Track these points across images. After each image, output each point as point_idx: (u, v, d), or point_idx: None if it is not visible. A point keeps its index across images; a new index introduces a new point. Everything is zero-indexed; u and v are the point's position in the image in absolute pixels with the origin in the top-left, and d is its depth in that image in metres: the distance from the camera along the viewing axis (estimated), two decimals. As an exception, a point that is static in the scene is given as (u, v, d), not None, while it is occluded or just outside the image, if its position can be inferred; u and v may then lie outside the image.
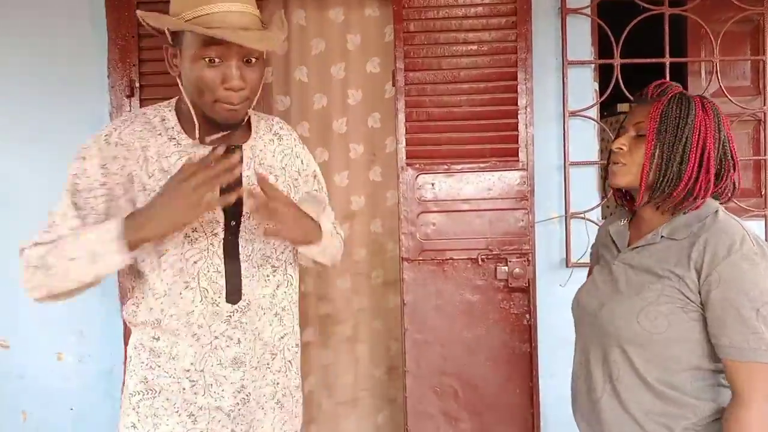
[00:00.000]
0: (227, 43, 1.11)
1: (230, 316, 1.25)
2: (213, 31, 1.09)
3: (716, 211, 1.17)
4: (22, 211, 2.20)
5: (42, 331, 2.41)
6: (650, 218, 1.25)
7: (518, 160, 2.25)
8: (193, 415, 1.25)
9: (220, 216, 1.24)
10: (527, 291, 2.26)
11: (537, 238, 2.29)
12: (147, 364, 1.26)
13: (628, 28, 2.34)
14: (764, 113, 2.52)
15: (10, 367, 2.42)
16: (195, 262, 1.22)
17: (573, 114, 2.38)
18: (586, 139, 2.42)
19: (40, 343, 2.41)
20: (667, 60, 2.38)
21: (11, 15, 2.35)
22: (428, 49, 2.24)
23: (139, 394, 1.26)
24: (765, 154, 2.52)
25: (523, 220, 2.25)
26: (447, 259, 2.27)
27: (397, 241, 2.31)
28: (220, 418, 1.26)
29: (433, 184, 2.26)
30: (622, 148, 1.21)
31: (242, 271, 1.25)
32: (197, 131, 1.23)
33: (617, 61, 2.37)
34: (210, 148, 1.24)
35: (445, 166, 2.26)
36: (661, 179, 1.17)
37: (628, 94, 2.34)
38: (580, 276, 2.32)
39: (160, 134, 1.24)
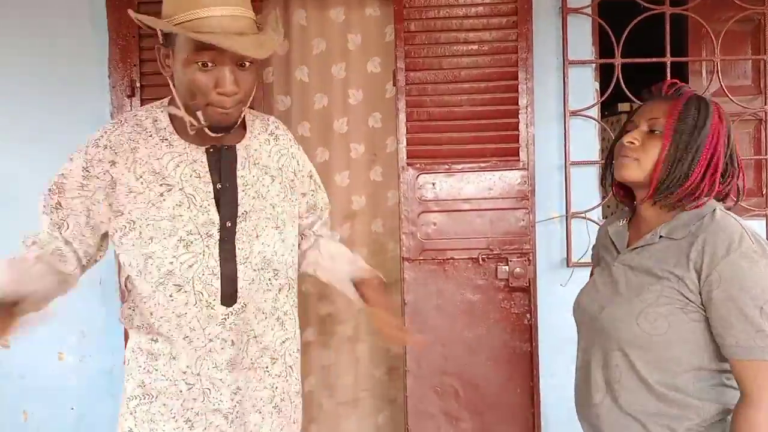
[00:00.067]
0: (220, 48, 1.09)
1: (225, 318, 1.23)
2: (206, 36, 1.07)
3: (714, 210, 1.17)
4: (22, 211, 2.18)
5: (43, 331, 2.39)
6: (649, 218, 1.25)
7: (519, 160, 2.24)
8: (189, 420, 1.25)
9: (215, 217, 1.22)
10: (528, 291, 2.25)
11: (538, 237, 2.29)
12: (144, 368, 1.25)
13: (628, 28, 2.33)
14: (765, 112, 2.52)
15: (11, 366, 2.42)
16: (190, 266, 1.20)
17: (574, 113, 2.38)
18: (586, 139, 2.41)
19: (41, 342, 2.41)
20: (668, 59, 2.38)
21: (11, 15, 2.35)
22: (429, 49, 2.24)
23: (136, 398, 1.26)
24: (766, 154, 2.51)
25: (523, 220, 2.25)
26: (448, 259, 2.27)
27: (398, 241, 2.31)
28: (218, 423, 1.25)
29: (433, 184, 2.26)
30: (634, 143, 1.20)
31: (239, 274, 1.23)
32: (189, 130, 1.21)
33: (618, 61, 2.37)
34: (202, 148, 1.23)
35: (446, 166, 2.25)
36: (668, 176, 1.17)
37: (629, 93, 2.34)
38: (581, 276, 2.33)
39: (151, 136, 1.23)
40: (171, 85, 1.20)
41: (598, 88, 2.42)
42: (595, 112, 2.42)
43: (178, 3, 1.11)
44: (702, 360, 1.15)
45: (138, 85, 2.24)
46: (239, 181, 1.25)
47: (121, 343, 2.26)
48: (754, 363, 1.08)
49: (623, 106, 3.41)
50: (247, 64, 1.15)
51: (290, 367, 1.36)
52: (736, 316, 1.08)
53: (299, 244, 1.48)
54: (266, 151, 1.32)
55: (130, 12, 1.19)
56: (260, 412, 1.30)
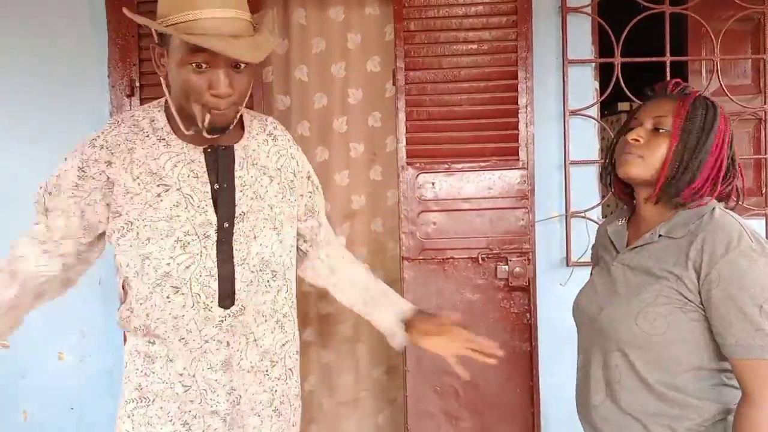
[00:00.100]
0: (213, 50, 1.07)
1: (222, 320, 1.22)
2: (199, 39, 1.05)
3: (713, 209, 1.17)
4: (22, 211, 2.18)
5: (43, 331, 2.41)
6: (649, 217, 1.25)
7: (519, 159, 2.24)
8: (187, 423, 1.24)
9: (213, 218, 1.21)
10: (528, 290, 2.25)
11: (537, 237, 2.29)
12: (142, 371, 1.25)
13: (628, 27, 2.33)
14: (765, 112, 2.52)
15: (11, 366, 2.42)
16: (187, 267, 1.19)
17: (573, 113, 2.38)
18: (586, 138, 2.41)
19: (41, 342, 2.41)
20: (668, 59, 2.38)
21: (11, 15, 2.35)
22: (429, 48, 2.24)
23: (133, 401, 1.25)
24: (765, 153, 2.51)
25: (523, 219, 2.25)
26: (447, 258, 2.27)
27: (398, 241, 2.31)
28: (216, 426, 1.25)
29: (433, 183, 2.26)
30: (639, 140, 1.20)
31: (236, 275, 1.22)
32: (182, 129, 1.21)
33: (618, 60, 2.37)
34: (200, 148, 1.22)
35: (446, 165, 2.25)
36: (675, 176, 1.17)
37: (628, 93, 2.34)
38: (581, 275, 2.33)
39: (148, 136, 1.22)
40: (164, 85, 1.20)
41: (598, 88, 2.42)
42: (594, 111, 2.42)
43: (172, 3, 1.10)
44: (702, 359, 1.15)
45: (137, 84, 2.24)
46: (237, 182, 1.24)
47: (121, 343, 2.26)
48: (754, 362, 1.08)
49: (623, 106, 3.41)
50: (242, 66, 1.14)
51: (290, 369, 1.35)
52: (735, 315, 1.08)
53: (306, 252, 1.49)
54: (264, 151, 1.31)
55: (125, 10, 1.18)
56: (259, 416, 1.29)
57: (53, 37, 2.35)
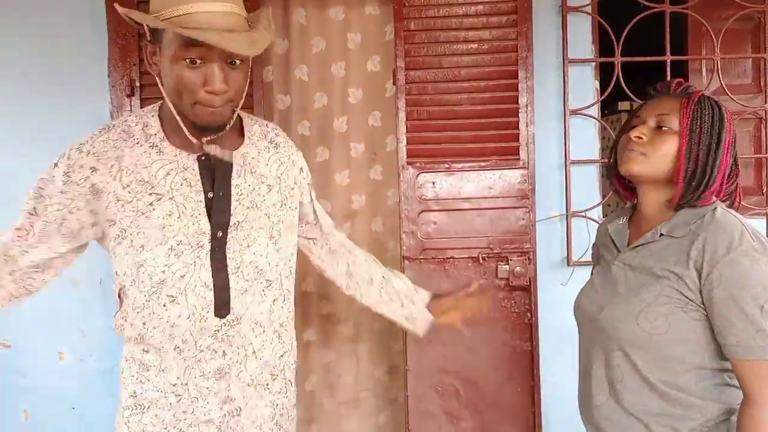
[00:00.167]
0: (209, 45, 1.05)
1: (217, 330, 1.21)
2: (194, 32, 1.03)
3: (715, 208, 1.17)
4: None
5: (43, 331, 2.41)
6: (650, 216, 1.25)
7: (519, 159, 2.24)
8: (182, 431, 1.23)
9: (206, 227, 1.19)
10: (528, 290, 2.25)
11: (538, 236, 2.29)
12: (137, 378, 1.24)
13: (628, 27, 2.33)
14: (765, 111, 2.52)
15: (11, 366, 2.42)
16: (182, 276, 1.17)
17: (574, 112, 2.38)
18: (587, 138, 2.41)
19: (42, 342, 2.41)
20: (668, 58, 2.38)
21: (11, 15, 2.34)
22: (429, 48, 2.24)
23: (129, 408, 1.25)
24: (766, 152, 2.51)
25: (524, 219, 2.25)
26: (448, 258, 2.27)
27: (398, 240, 2.31)
28: None
29: (434, 183, 2.26)
30: (641, 138, 1.20)
31: (231, 284, 1.20)
32: (187, 133, 1.17)
33: (618, 60, 2.37)
34: (194, 156, 1.19)
35: (446, 165, 2.25)
36: (696, 177, 1.16)
37: (629, 92, 2.34)
38: (581, 274, 2.33)
39: (138, 143, 1.19)
40: (159, 84, 1.17)
41: (598, 87, 2.42)
42: (595, 110, 2.42)
43: None
44: (703, 359, 1.15)
45: (138, 84, 2.24)
46: (233, 191, 1.22)
47: (122, 343, 2.26)
48: (755, 363, 1.08)
49: (623, 105, 3.41)
50: (238, 62, 1.11)
51: (289, 381, 1.35)
52: (736, 315, 1.08)
53: (318, 251, 1.51)
54: (264, 159, 1.29)
55: (117, 6, 1.16)
56: (260, 429, 1.29)
57: (53, 37, 2.35)
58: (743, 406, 1.10)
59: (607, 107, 3.41)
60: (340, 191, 2.55)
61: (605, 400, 1.24)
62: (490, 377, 2.26)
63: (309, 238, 1.48)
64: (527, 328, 2.26)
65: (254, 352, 1.26)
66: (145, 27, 1.11)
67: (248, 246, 1.23)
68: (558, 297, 2.33)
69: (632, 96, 2.35)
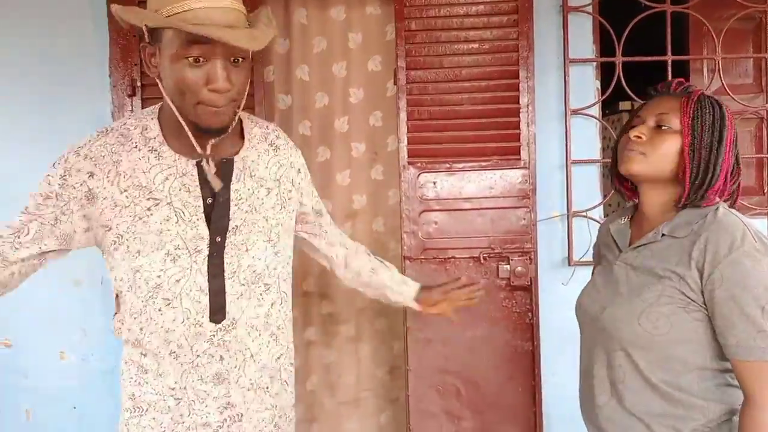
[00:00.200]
0: (212, 42, 1.02)
1: (213, 335, 1.20)
2: (198, 27, 1.01)
3: (717, 208, 1.17)
4: (23, 211, 2.20)
5: (45, 330, 2.41)
6: (652, 216, 1.25)
7: (520, 159, 2.24)
8: None
9: (205, 232, 1.18)
10: (529, 289, 2.25)
11: (539, 236, 2.29)
12: (135, 380, 1.24)
13: (629, 26, 2.33)
14: (766, 111, 2.51)
15: (13, 365, 2.42)
16: (177, 281, 1.17)
17: (575, 112, 2.38)
18: (588, 138, 2.41)
19: (43, 342, 2.42)
20: (669, 58, 2.38)
21: (11, 15, 2.35)
22: (430, 48, 2.24)
23: (128, 411, 1.25)
24: (767, 152, 2.51)
25: (525, 219, 2.25)
26: (449, 258, 2.27)
27: (399, 240, 2.31)
28: None
29: (434, 183, 2.26)
30: (641, 137, 1.20)
31: (227, 289, 1.20)
32: (191, 138, 1.15)
33: (619, 59, 2.37)
34: (193, 161, 1.17)
35: (447, 165, 2.25)
36: (699, 177, 1.16)
37: (630, 92, 2.34)
38: (582, 274, 2.33)
39: (137, 147, 1.17)
40: (160, 86, 1.14)
41: (599, 87, 2.42)
42: (596, 110, 2.42)
43: None
44: (705, 360, 1.14)
45: (139, 84, 2.24)
46: (233, 195, 1.21)
47: (122, 343, 2.27)
48: (755, 364, 1.07)
49: (624, 105, 3.41)
50: (240, 60, 1.09)
51: (285, 381, 1.34)
52: (737, 316, 1.08)
53: (321, 246, 1.52)
54: (264, 162, 1.27)
55: (113, 7, 1.13)
56: (260, 431, 1.29)
57: (54, 37, 2.35)
58: (744, 407, 1.10)
59: (608, 107, 3.41)
60: (341, 191, 2.55)
61: (607, 400, 1.23)
62: (491, 377, 2.26)
63: (309, 233, 1.49)
64: (528, 328, 2.26)
65: (252, 356, 1.25)
66: (144, 28, 1.08)
67: (247, 250, 1.22)
68: (559, 297, 2.33)
69: (633, 96, 2.35)
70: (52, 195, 1.16)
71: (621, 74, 2.36)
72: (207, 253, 1.18)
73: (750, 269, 1.07)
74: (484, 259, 2.25)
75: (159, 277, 1.17)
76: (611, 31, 2.35)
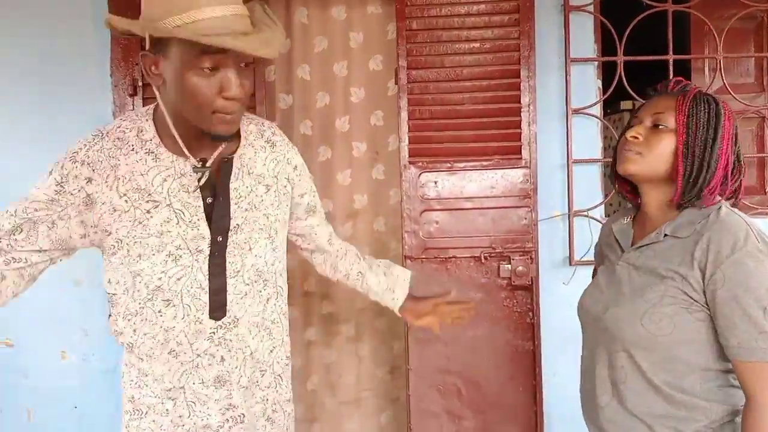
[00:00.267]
0: (225, 51, 1.02)
1: (213, 333, 1.20)
2: (213, 39, 0.99)
3: (719, 208, 1.16)
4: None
5: (46, 330, 2.41)
6: (654, 216, 1.25)
7: (521, 158, 2.24)
8: None
9: (206, 232, 1.17)
10: (530, 289, 2.25)
11: (540, 236, 2.29)
12: (135, 383, 1.24)
13: (631, 26, 2.33)
14: (768, 110, 2.51)
15: (14, 365, 2.42)
16: (178, 279, 1.17)
17: (576, 112, 2.38)
18: (589, 137, 2.41)
19: (45, 341, 2.42)
20: (671, 57, 2.38)
21: (11, 15, 2.34)
22: (431, 47, 2.24)
23: (128, 413, 1.25)
24: (769, 152, 2.51)
25: (526, 218, 2.25)
26: (450, 258, 2.26)
27: (400, 240, 2.30)
28: None
29: (435, 182, 2.26)
30: (637, 138, 1.20)
31: (228, 287, 1.20)
32: (183, 148, 1.15)
33: (620, 59, 2.36)
34: (191, 162, 1.17)
35: (448, 164, 2.25)
36: (693, 175, 1.16)
37: (631, 91, 2.34)
38: (584, 274, 2.32)
39: (134, 150, 1.16)
40: (157, 95, 1.13)
41: (601, 86, 2.42)
42: (597, 110, 2.42)
43: (169, 5, 1.02)
44: (708, 360, 1.14)
45: (140, 84, 2.24)
46: (232, 194, 1.21)
47: (124, 342, 2.27)
48: (756, 365, 1.07)
49: (626, 104, 3.41)
50: (245, 65, 1.09)
51: (279, 376, 1.33)
52: (739, 316, 1.07)
53: (307, 250, 1.52)
54: (261, 159, 1.27)
55: (113, 18, 1.10)
56: (254, 427, 1.29)
57: (54, 37, 2.35)
58: (746, 409, 1.10)
59: (610, 106, 3.41)
60: (342, 191, 2.55)
61: (608, 400, 1.23)
62: (491, 377, 2.26)
63: (298, 235, 1.48)
64: (529, 328, 2.25)
65: (251, 353, 1.26)
66: (147, 37, 1.04)
67: (250, 249, 1.22)
68: (560, 296, 2.33)
69: (634, 95, 2.34)
70: (48, 201, 1.14)
71: (622, 73, 2.36)
72: (208, 252, 1.18)
73: (753, 270, 1.07)
74: (485, 258, 2.25)
75: (160, 279, 1.17)
76: (612, 30, 2.34)
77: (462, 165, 2.25)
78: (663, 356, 1.15)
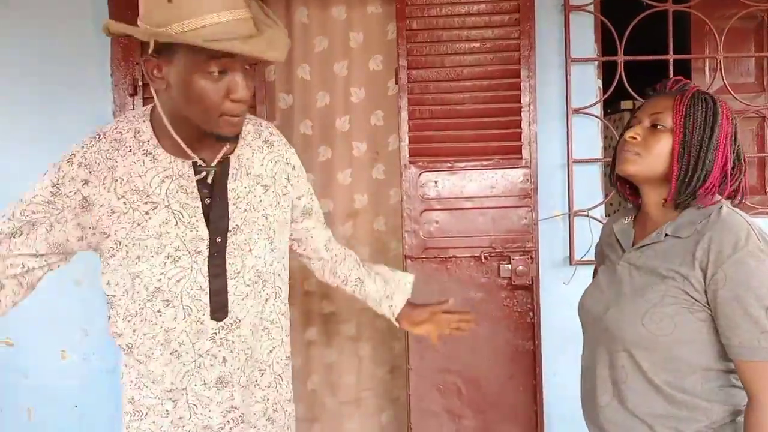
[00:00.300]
0: (233, 55, 1.02)
1: (215, 333, 1.20)
2: (222, 44, 0.99)
3: (720, 207, 1.16)
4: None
5: (46, 330, 2.41)
6: (655, 216, 1.24)
7: (521, 158, 2.24)
8: None
9: (205, 233, 1.17)
10: (530, 289, 2.25)
11: (540, 235, 2.28)
12: (135, 384, 1.24)
13: (631, 25, 2.33)
14: (768, 110, 2.51)
15: (14, 365, 2.43)
16: (178, 281, 1.17)
17: (576, 111, 2.38)
18: (589, 137, 2.41)
19: (45, 341, 2.42)
20: (671, 57, 2.37)
21: (12, 15, 2.34)
22: (431, 47, 2.23)
23: (128, 414, 1.25)
24: (769, 151, 2.51)
25: (526, 218, 2.25)
26: (450, 257, 2.26)
27: (401, 240, 2.30)
28: None
29: (436, 182, 2.26)
30: (635, 138, 1.20)
31: (229, 289, 1.20)
32: (186, 149, 1.15)
33: (621, 59, 2.36)
34: (189, 162, 1.17)
35: (448, 164, 2.25)
36: (688, 174, 1.15)
37: (631, 91, 2.34)
38: (584, 274, 2.32)
39: (131, 151, 1.16)
40: (156, 98, 1.13)
41: (601, 86, 2.42)
42: (597, 109, 2.41)
43: (174, 10, 1.01)
44: (709, 360, 1.14)
45: (140, 83, 2.24)
46: (230, 195, 1.20)
47: (124, 342, 2.27)
48: (758, 364, 1.07)
49: (626, 104, 3.40)
50: (249, 66, 1.10)
51: (279, 376, 1.33)
52: (741, 316, 1.07)
53: (302, 254, 1.50)
54: (259, 159, 1.27)
55: (108, 22, 1.09)
56: (255, 427, 1.29)
57: (54, 37, 2.35)
58: (747, 409, 1.10)
59: (610, 106, 3.40)
60: (342, 190, 2.55)
61: (609, 400, 1.23)
62: (492, 376, 2.26)
63: (294, 239, 1.47)
64: (529, 328, 2.25)
65: (252, 353, 1.26)
66: (150, 42, 1.04)
67: (250, 250, 1.22)
68: (560, 296, 2.33)
69: (635, 95, 2.34)
70: (44, 203, 1.14)
71: (623, 73, 2.36)
72: (207, 253, 1.18)
73: (754, 269, 1.07)
74: (486, 258, 2.25)
75: (159, 280, 1.16)
76: (613, 30, 2.34)
77: (462, 165, 2.24)
78: (664, 356, 1.15)
